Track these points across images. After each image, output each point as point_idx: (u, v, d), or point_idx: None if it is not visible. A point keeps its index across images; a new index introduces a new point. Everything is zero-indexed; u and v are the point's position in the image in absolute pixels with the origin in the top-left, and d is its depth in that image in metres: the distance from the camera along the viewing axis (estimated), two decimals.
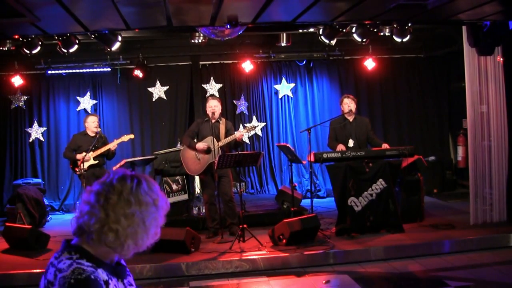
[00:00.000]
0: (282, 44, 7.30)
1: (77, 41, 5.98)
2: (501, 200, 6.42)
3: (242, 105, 9.13)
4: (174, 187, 7.27)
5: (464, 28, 6.15)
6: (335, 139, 6.77)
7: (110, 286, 1.47)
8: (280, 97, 9.20)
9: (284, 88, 9.19)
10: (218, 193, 6.19)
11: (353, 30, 6.17)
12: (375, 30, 6.07)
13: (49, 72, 8.42)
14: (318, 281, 4.96)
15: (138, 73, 8.45)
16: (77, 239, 1.49)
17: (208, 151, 6.19)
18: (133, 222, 1.45)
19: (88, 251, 1.47)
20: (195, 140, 6.36)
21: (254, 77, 9.15)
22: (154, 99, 8.95)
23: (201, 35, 6.58)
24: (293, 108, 9.24)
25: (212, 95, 8.32)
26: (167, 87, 8.95)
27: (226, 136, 6.27)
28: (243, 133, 6.40)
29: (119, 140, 6.83)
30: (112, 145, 6.74)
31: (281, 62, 9.20)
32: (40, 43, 6.02)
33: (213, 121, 6.30)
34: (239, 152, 6.18)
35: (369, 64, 8.71)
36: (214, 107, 6.32)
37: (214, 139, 6.11)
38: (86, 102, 8.80)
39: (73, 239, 1.51)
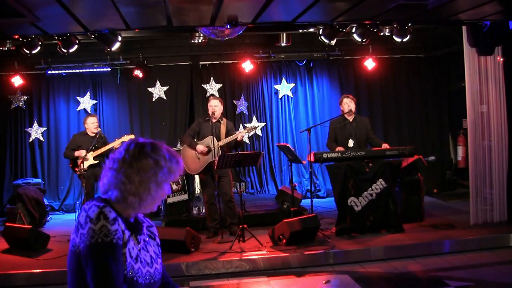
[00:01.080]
0: (282, 44, 7.29)
1: (77, 41, 5.97)
2: (501, 200, 6.42)
3: (242, 105, 9.13)
4: (174, 187, 7.25)
5: (464, 28, 6.15)
6: (334, 140, 6.76)
7: (126, 237, 1.70)
8: (280, 97, 9.20)
9: (284, 88, 9.19)
10: (218, 193, 6.19)
11: (353, 30, 6.16)
12: (375, 30, 6.07)
13: (49, 72, 8.42)
14: (318, 281, 4.96)
15: (138, 73, 8.45)
16: (105, 196, 1.76)
17: (208, 151, 6.20)
18: (133, 181, 1.70)
19: (112, 204, 1.73)
20: (195, 139, 6.37)
21: (254, 77, 9.15)
22: (154, 99, 8.95)
23: (201, 35, 6.57)
24: (293, 108, 9.23)
25: (213, 95, 8.31)
26: (167, 87, 8.95)
27: (226, 137, 6.28)
28: (243, 134, 6.40)
29: (121, 140, 6.82)
30: (117, 144, 6.71)
31: (281, 62, 9.20)
32: (40, 43, 6.01)
33: (214, 121, 6.30)
34: (239, 152, 6.18)
35: (369, 64, 8.70)
36: (214, 107, 6.33)
37: (214, 138, 6.12)
38: (86, 102, 8.80)
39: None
